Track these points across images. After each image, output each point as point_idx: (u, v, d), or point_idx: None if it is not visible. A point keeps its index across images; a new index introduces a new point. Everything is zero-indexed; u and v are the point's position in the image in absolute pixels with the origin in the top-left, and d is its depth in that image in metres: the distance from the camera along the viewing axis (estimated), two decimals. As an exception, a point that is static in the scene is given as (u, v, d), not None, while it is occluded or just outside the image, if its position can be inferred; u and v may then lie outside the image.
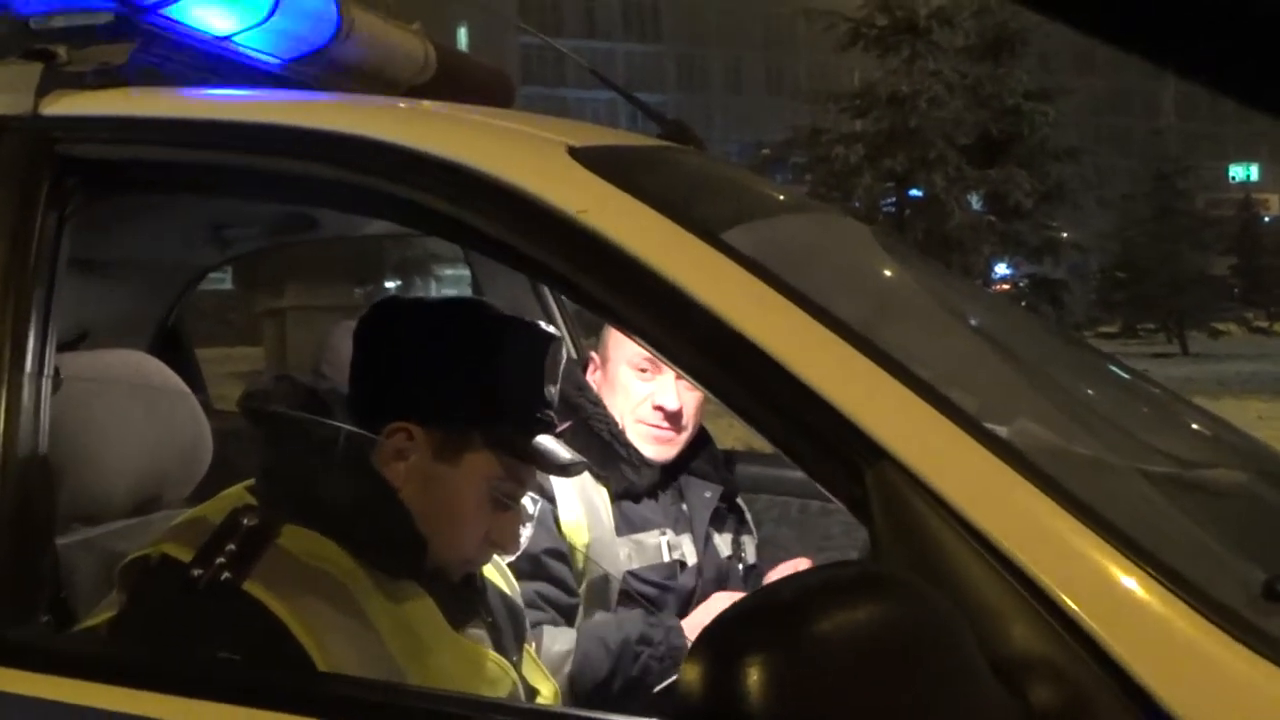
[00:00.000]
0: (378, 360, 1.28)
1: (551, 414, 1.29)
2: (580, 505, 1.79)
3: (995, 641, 0.82)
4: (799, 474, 2.10)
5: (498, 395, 1.24)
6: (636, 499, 1.88)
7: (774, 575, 1.89)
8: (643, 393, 1.89)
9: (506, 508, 1.26)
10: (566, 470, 1.29)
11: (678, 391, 1.88)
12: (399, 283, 18.36)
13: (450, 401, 1.23)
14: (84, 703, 1.03)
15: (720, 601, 1.78)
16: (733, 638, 0.75)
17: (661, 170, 1.35)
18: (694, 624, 1.76)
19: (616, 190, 1.07)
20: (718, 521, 1.97)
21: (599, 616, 1.77)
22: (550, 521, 1.77)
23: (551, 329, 1.32)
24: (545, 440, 1.27)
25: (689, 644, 1.69)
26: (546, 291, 2.39)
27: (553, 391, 1.29)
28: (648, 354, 1.85)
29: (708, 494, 1.97)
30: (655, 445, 1.90)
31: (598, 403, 1.88)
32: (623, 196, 1.06)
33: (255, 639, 1.06)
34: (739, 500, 2.07)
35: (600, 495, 1.83)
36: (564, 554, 1.76)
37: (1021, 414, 1.15)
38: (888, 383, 0.93)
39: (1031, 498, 0.87)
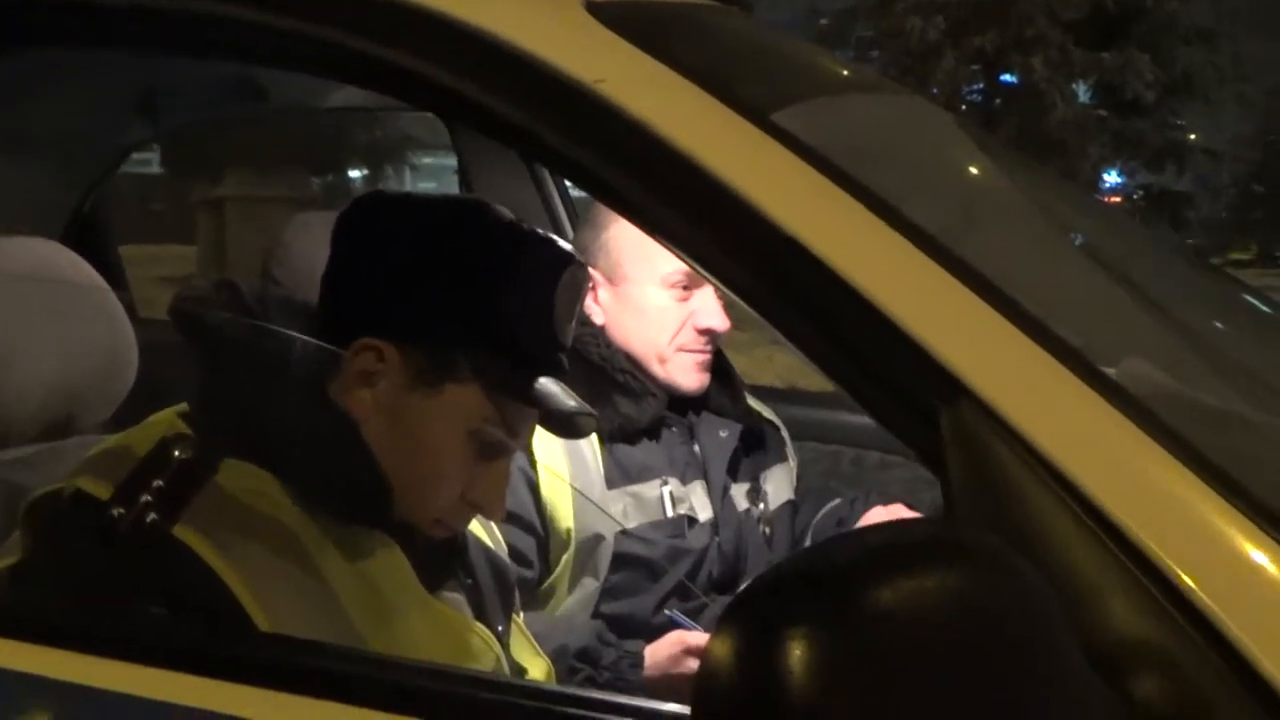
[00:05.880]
0: (351, 264, 1.27)
1: (561, 357, 1.27)
2: (560, 448, 1.78)
3: (1092, 621, 0.82)
4: (853, 418, 2.14)
5: (494, 315, 1.22)
6: (632, 440, 1.87)
7: (868, 521, 1.90)
8: (683, 315, 1.89)
9: (493, 459, 1.25)
10: (573, 423, 1.26)
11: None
12: (366, 170, 18.28)
13: (433, 315, 1.22)
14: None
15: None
16: (774, 606, 0.75)
17: (699, 33, 1.34)
18: (656, 658, 1.72)
19: (643, 55, 1.06)
20: (732, 467, 1.98)
21: (546, 616, 1.77)
22: (522, 478, 1.77)
23: (570, 248, 1.29)
24: (547, 384, 1.25)
25: (643, 680, 1.67)
26: (550, 181, 2.39)
27: (566, 329, 1.26)
28: (685, 266, 1.84)
29: (724, 433, 1.95)
30: (699, 374, 1.91)
31: (585, 320, 1.88)
32: (651, 63, 1.05)
33: (182, 592, 1.08)
34: (783, 432, 2.08)
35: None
36: (525, 520, 1.77)
37: (1135, 350, 1.14)
38: (971, 302, 0.92)
39: (1144, 450, 0.87)
